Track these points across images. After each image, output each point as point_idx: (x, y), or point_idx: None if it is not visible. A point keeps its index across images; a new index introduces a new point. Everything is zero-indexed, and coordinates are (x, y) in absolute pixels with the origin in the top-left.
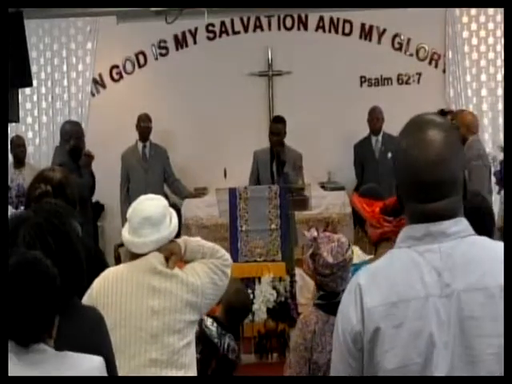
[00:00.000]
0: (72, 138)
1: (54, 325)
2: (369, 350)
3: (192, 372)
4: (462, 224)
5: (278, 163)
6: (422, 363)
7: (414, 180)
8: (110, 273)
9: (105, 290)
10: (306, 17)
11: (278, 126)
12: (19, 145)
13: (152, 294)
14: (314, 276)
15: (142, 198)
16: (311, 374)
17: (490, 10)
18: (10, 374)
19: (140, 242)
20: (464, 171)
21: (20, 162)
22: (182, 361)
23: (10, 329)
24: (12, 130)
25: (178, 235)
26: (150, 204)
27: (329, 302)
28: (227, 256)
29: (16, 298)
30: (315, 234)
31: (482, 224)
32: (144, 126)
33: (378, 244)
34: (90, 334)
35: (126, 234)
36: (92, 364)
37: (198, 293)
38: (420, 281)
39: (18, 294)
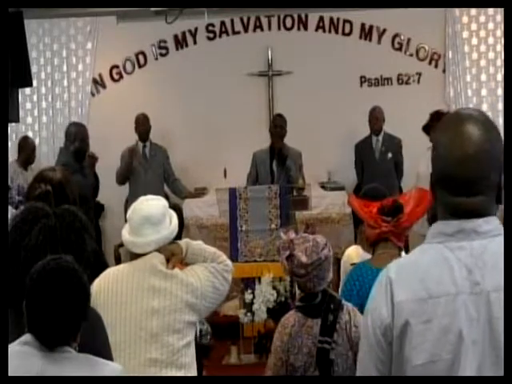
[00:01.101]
0: (76, 140)
1: (80, 330)
2: (398, 345)
3: (192, 372)
4: (493, 223)
5: (278, 158)
6: (450, 360)
7: (450, 174)
8: (110, 273)
9: (105, 290)
10: (306, 17)
11: (280, 119)
12: (33, 149)
13: (152, 293)
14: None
15: (142, 198)
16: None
17: (490, 10)
18: (32, 370)
19: (140, 242)
20: (501, 171)
21: (26, 164)
22: (181, 361)
23: (39, 331)
24: (12, 129)
25: (179, 236)
26: (150, 204)
27: (307, 304)
28: (228, 262)
29: (50, 303)
30: (292, 236)
31: None
32: (143, 128)
33: (375, 244)
34: (87, 334)
35: (126, 234)
36: (113, 371)
37: (198, 294)
38: (450, 277)
39: (52, 299)
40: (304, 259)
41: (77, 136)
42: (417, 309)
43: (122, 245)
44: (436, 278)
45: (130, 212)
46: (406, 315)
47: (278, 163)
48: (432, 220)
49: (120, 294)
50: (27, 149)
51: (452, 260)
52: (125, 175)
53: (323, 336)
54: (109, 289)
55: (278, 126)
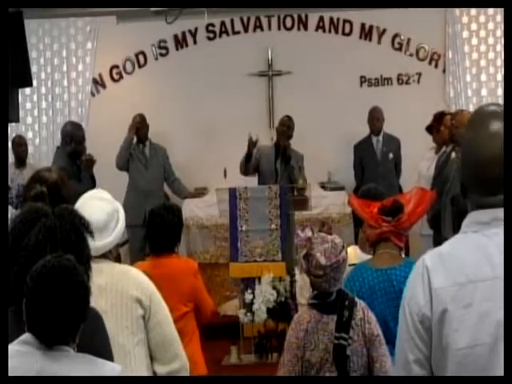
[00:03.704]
0: (73, 142)
1: (79, 330)
2: (437, 331)
3: (143, 373)
4: None
5: (283, 157)
6: (490, 344)
7: (478, 174)
8: None
9: None
10: (306, 17)
11: (288, 120)
12: (21, 144)
13: (99, 293)
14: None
15: (91, 194)
16: (304, 373)
17: (490, 10)
18: (32, 369)
19: None
20: None
21: (21, 162)
22: (132, 363)
23: (38, 329)
24: (12, 129)
25: (179, 237)
26: (95, 206)
27: (322, 301)
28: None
29: (50, 302)
30: (309, 234)
31: None
32: (142, 130)
33: (376, 244)
34: (87, 334)
35: None
36: (112, 371)
37: (147, 294)
38: (488, 263)
39: (52, 297)
40: (323, 261)
41: (73, 138)
42: (456, 294)
43: (121, 245)
44: (474, 264)
45: (78, 202)
46: (445, 301)
47: (282, 162)
48: (432, 220)
49: None
50: (16, 146)
51: (490, 246)
52: (124, 154)
53: (339, 332)
54: None
55: (285, 125)
